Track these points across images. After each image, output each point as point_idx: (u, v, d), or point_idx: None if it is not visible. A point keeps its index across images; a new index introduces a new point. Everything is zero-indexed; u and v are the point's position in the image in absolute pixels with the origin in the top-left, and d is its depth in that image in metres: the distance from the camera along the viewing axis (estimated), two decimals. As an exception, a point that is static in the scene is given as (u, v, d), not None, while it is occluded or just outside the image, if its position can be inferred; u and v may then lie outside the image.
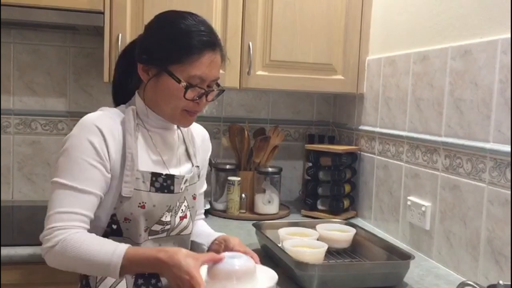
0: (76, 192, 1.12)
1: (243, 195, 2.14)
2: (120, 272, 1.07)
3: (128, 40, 1.85)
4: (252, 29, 2.01)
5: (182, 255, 1.04)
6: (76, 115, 2.24)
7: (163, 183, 1.23)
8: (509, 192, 1.32)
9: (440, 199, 1.62)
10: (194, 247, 1.37)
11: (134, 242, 1.19)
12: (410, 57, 1.80)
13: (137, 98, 1.27)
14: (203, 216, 1.52)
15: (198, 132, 1.42)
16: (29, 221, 1.90)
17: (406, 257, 1.43)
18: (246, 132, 2.20)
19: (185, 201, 1.30)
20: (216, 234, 1.36)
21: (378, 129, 2.04)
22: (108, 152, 1.16)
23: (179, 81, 1.17)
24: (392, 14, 1.97)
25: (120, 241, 1.17)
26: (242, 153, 2.21)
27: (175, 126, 1.32)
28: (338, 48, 2.10)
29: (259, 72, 2.04)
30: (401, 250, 1.51)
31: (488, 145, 1.40)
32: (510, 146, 1.32)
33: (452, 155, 1.56)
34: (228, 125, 2.30)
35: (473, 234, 1.46)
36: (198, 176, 1.37)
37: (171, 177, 1.25)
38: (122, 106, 1.28)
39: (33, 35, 2.17)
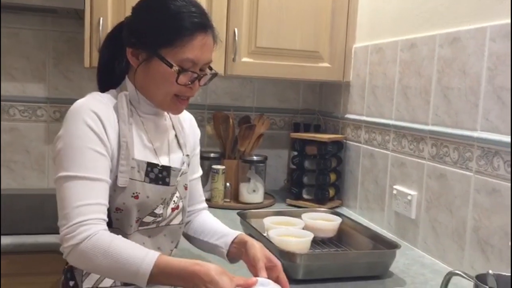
0: (90, 182, 1.05)
1: (228, 184, 2.11)
2: (149, 280, 0.99)
3: (110, 24, 1.80)
4: (238, 15, 1.96)
5: (218, 272, 0.97)
6: (55, 101, 2.18)
7: (158, 175, 1.18)
8: (496, 181, 1.31)
9: (426, 188, 1.61)
10: (210, 249, 1.29)
11: (123, 233, 1.14)
12: (398, 45, 1.78)
13: (128, 84, 1.20)
14: (206, 205, 1.42)
15: (185, 118, 1.37)
16: (9, 210, 1.85)
17: (392, 246, 1.42)
18: (231, 120, 2.16)
19: (177, 191, 1.25)
20: (232, 234, 1.25)
21: (364, 118, 2.02)
22: (108, 137, 1.10)
23: (170, 66, 1.11)
24: (379, 1, 1.94)
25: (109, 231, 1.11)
26: (227, 141, 2.18)
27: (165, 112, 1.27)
28: (325, 35, 2.07)
29: (245, 59, 2.00)
30: (387, 239, 1.50)
31: (475, 134, 1.39)
32: (499, 135, 1.30)
33: (439, 144, 1.55)
34: (213, 113, 2.26)
35: (459, 223, 1.45)
36: (188, 165, 1.32)
37: (167, 169, 1.20)
38: (113, 91, 1.21)
39: (11, 18, 2.10)
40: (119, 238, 1.04)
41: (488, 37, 1.35)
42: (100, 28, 1.80)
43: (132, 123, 1.18)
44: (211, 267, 0.98)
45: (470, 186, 1.41)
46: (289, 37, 2.03)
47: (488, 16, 1.37)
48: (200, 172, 1.42)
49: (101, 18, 1.81)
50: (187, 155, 1.31)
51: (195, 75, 1.15)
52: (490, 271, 0.90)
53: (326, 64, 2.10)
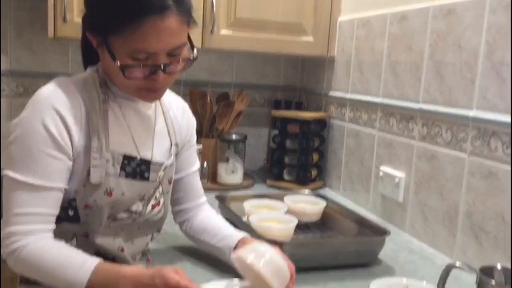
0: (35, 190, 0.94)
1: (205, 164, 2.00)
2: None
3: (75, -10, 1.65)
4: (216, -18, 1.82)
5: (165, 272, 0.90)
6: (18, 74, 2.02)
7: (136, 168, 1.04)
8: (493, 163, 1.23)
9: (415, 169, 1.52)
10: (213, 251, 1.20)
11: (91, 230, 1.02)
12: (387, 18, 1.67)
13: (102, 63, 1.04)
14: (205, 198, 1.29)
15: (178, 105, 1.21)
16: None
17: (381, 232, 1.34)
18: (208, 97, 2.04)
19: (160, 186, 1.11)
20: (235, 236, 1.15)
21: (349, 95, 1.92)
22: (70, 137, 0.96)
23: (114, 59, 0.94)
24: (367, -30, 1.83)
25: (75, 228, 1.02)
26: (204, 119, 2.05)
27: None
28: (309, 6, 1.95)
29: (223, 32, 1.87)
30: (374, 225, 1.41)
31: (471, 113, 1.30)
32: (498, 114, 1.22)
33: (430, 123, 1.46)
34: (189, 89, 2.13)
35: (451, 208, 1.37)
36: (176, 156, 1.18)
37: (146, 163, 1.06)
38: (89, 69, 1.06)
39: (-34, -17, 1.92)
40: (55, 247, 0.96)
41: (487, 8, 1.25)
42: (65, -6, 1.64)
43: (107, 109, 1.02)
44: (155, 269, 0.91)
45: (463, 168, 1.32)
46: (270, 8, 1.90)
47: (488, -15, 1.27)
48: (197, 165, 1.27)
49: (66, -16, 1.65)
50: (176, 145, 1.16)
51: (153, 68, 0.95)
52: (498, 265, 0.82)
53: (309, 38, 1.98)
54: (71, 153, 0.97)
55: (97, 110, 1.00)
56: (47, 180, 0.95)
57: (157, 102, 1.13)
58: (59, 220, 1.00)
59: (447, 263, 0.94)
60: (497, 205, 1.21)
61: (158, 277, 0.88)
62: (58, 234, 1.01)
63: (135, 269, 0.94)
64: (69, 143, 0.97)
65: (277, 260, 0.98)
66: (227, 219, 1.47)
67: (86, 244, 1.03)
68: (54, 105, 0.95)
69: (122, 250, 1.07)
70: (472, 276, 0.89)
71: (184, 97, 2.15)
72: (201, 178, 1.96)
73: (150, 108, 1.10)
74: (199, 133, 2.07)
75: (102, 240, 1.03)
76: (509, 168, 1.18)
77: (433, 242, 1.44)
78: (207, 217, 1.25)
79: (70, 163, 0.98)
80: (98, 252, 1.04)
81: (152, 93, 1.02)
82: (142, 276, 0.91)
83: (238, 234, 1.17)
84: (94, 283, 0.92)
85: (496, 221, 1.22)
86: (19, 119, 0.96)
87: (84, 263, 0.93)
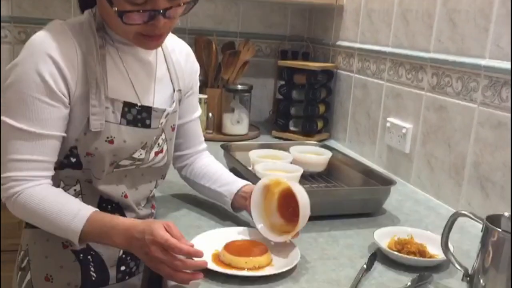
0: (32, 137, 0.92)
1: (210, 114, 1.98)
2: (81, 237, 0.92)
3: None
4: None
5: (154, 227, 0.89)
6: (20, 21, 1.98)
7: (137, 116, 1.02)
8: (503, 113, 1.21)
9: (423, 120, 1.50)
10: (212, 195, 1.20)
11: (94, 177, 1.01)
12: (399, -37, 1.61)
13: (98, 7, 0.99)
14: (205, 146, 1.28)
15: (181, 49, 1.16)
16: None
17: (386, 182, 1.33)
18: (214, 46, 2.00)
19: (163, 133, 1.09)
20: (238, 183, 1.16)
21: (357, 45, 1.88)
22: (65, 84, 0.93)
23: (111, 4, 0.90)
24: None
25: (78, 174, 1.01)
26: (209, 68, 2.02)
27: None
28: (318, -49, 1.88)
29: (229, -23, 1.81)
30: (380, 175, 1.40)
31: (483, 62, 1.26)
32: (510, 62, 1.18)
33: (441, 73, 1.43)
34: (194, 38, 2.08)
35: (458, 158, 1.36)
36: (179, 102, 1.15)
37: (147, 109, 1.03)
38: (87, 13, 1.01)
39: None
40: (52, 193, 0.95)
41: (506, -49, 1.20)
42: None
43: (105, 54, 0.99)
44: (146, 223, 0.90)
45: (473, 119, 1.30)
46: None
47: None
48: (199, 111, 1.25)
49: None
50: (179, 90, 1.13)
51: (153, 13, 0.91)
52: (506, 213, 0.81)
53: (318, -15, 1.92)
54: (67, 100, 0.95)
55: (94, 55, 0.96)
56: (42, 127, 0.93)
57: (160, 48, 1.09)
58: (62, 165, 1.00)
59: (453, 212, 0.93)
60: (506, 155, 1.20)
61: (148, 232, 0.88)
62: (62, 179, 1.01)
63: (129, 221, 0.93)
64: (64, 90, 0.94)
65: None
66: (233, 168, 1.47)
67: (90, 189, 1.03)
68: (48, 51, 0.92)
69: (126, 196, 1.07)
70: (477, 225, 0.89)
71: (189, 46, 2.13)
72: (206, 128, 1.97)
73: (150, 54, 1.06)
74: (204, 83, 2.05)
75: (106, 186, 1.03)
76: (520, 119, 1.16)
77: (438, 193, 1.44)
78: (208, 163, 1.25)
79: (66, 111, 0.96)
80: (102, 198, 1.05)
81: (153, 41, 0.98)
82: (134, 229, 0.90)
83: (241, 181, 1.17)
84: (88, 232, 0.92)
85: (503, 172, 1.21)
86: (12, 65, 0.94)
87: (79, 212, 0.93)
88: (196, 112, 1.24)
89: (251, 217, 1.08)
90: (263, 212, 1.07)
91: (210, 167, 1.23)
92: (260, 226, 1.05)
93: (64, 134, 0.97)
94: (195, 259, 0.89)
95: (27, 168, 0.93)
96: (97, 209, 0.96)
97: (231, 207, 1.17)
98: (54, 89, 0.92)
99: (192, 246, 0.89)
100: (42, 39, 0.93)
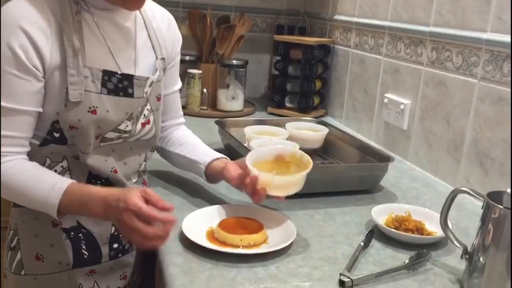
0: (4, 112, 0.89)
1: (205, 90, 1.95)
2: (59, 210, 0.90)
3: None
4: None
5: (133, 192, 0.86)
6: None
7: (118, 84, 0.98)
8: (504, 88, 1.18)
9: (422, 96, 1.48)
10: (187, 164, 1.18)
11: (81, 152, 0.98)
12: None
13: None
14: (183, 120, 1.26)
15: (163, 16, 1.12)
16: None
17: (384, 159, 1.31)
18: (208, 20, 1.95)
19: (148, 103, 1.06)
20: (216, 154, 1.15)
21: (355, 19, 1.83)
22: (39, 56, 0.90)
23: None
24: None
25: (64, 150, 0.98)
26: (204, 43, 1.98)
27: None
28: None
29: None
30: (377, 151, 1.38)
31: (485, 35, 1.23)
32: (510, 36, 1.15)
33: (440, 48, 1.39)
34: (188, 11, 2.03)
35: (457, 135, 1.34)
36: (164, 71, 1.11)
37: (128, 77, 0.99)
38: None
39: None
40: (26, 167, 0.93)
41: None
42: None
43: (81, 20, 0.95)
44: (122, 191, 0.88)
45: (473, 94, 1.28)
46: None
47: None
48: (179, 84, 1.22)
49: None
50: (162, 59, 1.09)
51: None
52: (508, 189, 0.79)
53: (315, -43, 1.86)
54: (40, 74, 0.91)
55: (70, 22, 0.93)
56: (15, 102, 0.90)
57: (137, 12, 1.05)
58: (45, 141, 0.97)
59: (451, 189, 0.91)
60: (506, 132, 1.18)
61: (122, 200, 0.86)
62: (48, 156, 0.98)
63: (105, 190, 0.92)
64: (37, 63, 0.90)
65: None
66: (228, 145, 1.45)
67: (78, 166, 1.00)
68: (19, 23, 0.88)
69: (116, 171, 1.04)
70: (475, 202, 0.87)
71: (182, 20, 2.08)
72: (200, 104, 1.94)
73: (128, 20, 1.02)
74: (199, 58, 2.00)
75: (94, 161, 1.00)
76: (521, 94, 1.13)
77: (436, 169, 1.42)
78: (185, 135, 1.23)
79: (40, 84, 0.92)
80: (91, 174, 1.02)
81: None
82: (110, 197, 0.88)
83: (219, 154, 1.15)
84: (66, 204, 0.90)
85: (503, 148, 1.19)
86: None
87: (55, 184, 0.90)
88: (176, 85, 1.21)
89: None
90: (261, 167, 1.04)
91: (187, 139, 1.21)
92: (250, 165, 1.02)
93: (39, 109, 0.93)
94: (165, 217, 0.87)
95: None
96: (74, 180, 0.93)
97: (204, 175, 1.14)
98: (25, 62, 0.89)
99: (172, 207, 0.87)
100: (12, 9, 0.90)
